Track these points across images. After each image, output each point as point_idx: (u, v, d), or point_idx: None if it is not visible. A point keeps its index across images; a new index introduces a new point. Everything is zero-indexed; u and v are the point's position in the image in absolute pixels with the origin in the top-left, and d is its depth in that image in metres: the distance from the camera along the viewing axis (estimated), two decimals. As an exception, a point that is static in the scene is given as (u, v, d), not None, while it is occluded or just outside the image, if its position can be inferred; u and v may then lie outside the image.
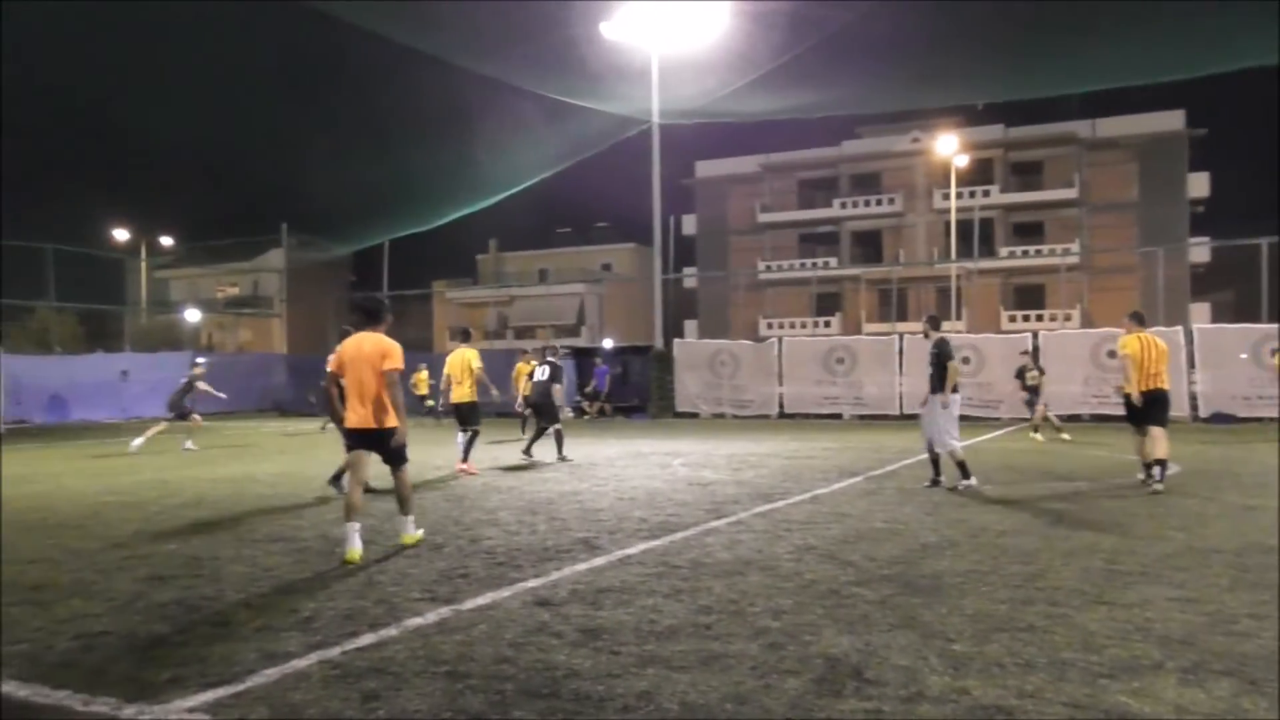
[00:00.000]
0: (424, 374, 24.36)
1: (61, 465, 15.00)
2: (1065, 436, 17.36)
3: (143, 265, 50.79)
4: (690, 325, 51.75)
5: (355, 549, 6.84)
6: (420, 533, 7.66)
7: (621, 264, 62.50)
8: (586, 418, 28.11)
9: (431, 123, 27.50)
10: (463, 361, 12.95)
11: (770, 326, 49.77)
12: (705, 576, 6.23)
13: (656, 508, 9.39)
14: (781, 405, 26.45)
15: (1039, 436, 17.66)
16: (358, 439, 7.36)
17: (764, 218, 54.60)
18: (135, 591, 5.98)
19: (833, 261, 51.98)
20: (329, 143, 27.93)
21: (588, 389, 29.10)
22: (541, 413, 14.70)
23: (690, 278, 52.98)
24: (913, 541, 7.45)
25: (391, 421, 7.31)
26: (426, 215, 34.42)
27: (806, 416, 25.75)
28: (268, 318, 52.19)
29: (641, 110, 28.69)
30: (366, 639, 4.86)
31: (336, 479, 10.27)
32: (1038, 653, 4.52)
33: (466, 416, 13.00)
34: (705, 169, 56.90)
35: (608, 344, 35.10)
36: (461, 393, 12.94)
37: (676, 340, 29.66)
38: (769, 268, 52.14)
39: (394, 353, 7.27)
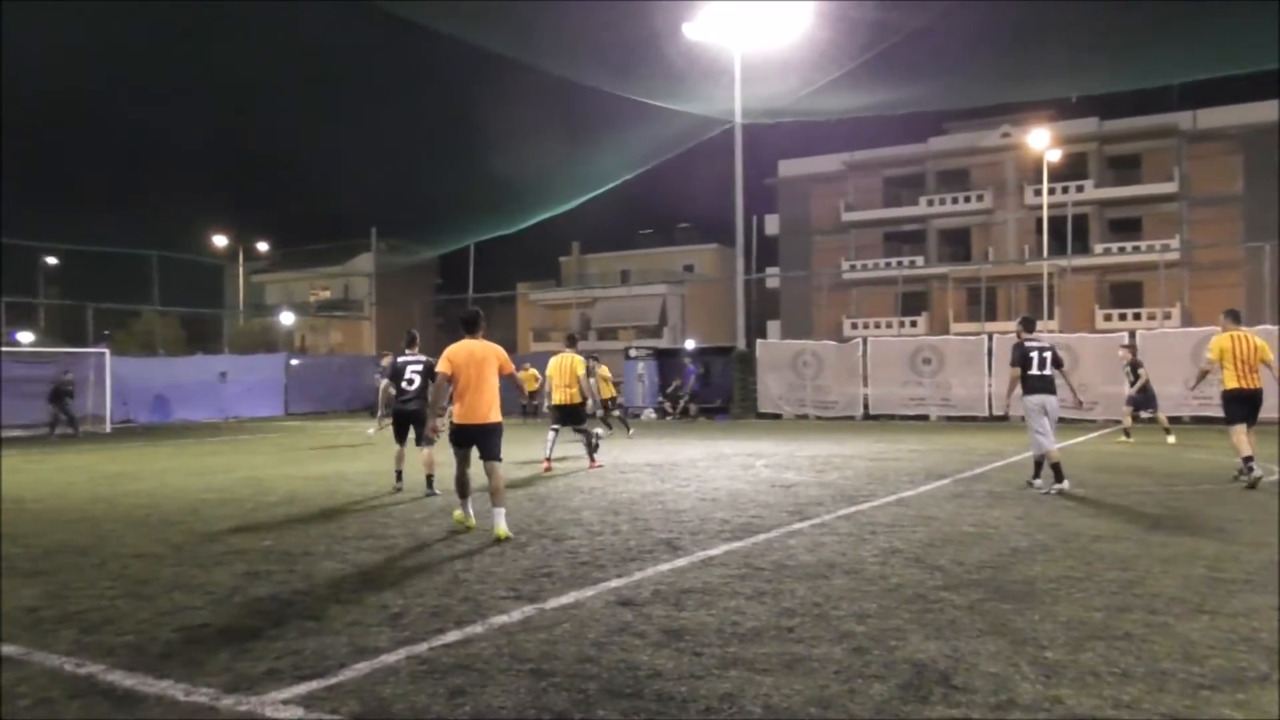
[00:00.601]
0: (532, 372, 24.60)
1: (165, 463, 15.61)
2: (1171, 440, 16.72)
3: (240, 270, 52.66)
4: (773, 326, 51.37)
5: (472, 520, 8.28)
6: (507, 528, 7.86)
7: (704, 265, 62.39)
8: (669, 418, 28.13)
9: (516, 127, 27.86)
10: (569, 367, 13.64)
11: (855, 326, 49.08)
12: (788, 579, 6.18)
13: (739, 509, 9.35)
14: (866, 406, 26.08)
15: (1129, 439, 17.11)
16: (464, 434, 8.05)
17: (848, 216, 53.90)
18: (233, 586, 6.19)
19: (919, 260, 51.02)
20: (416, 148, 28.52)
21: (670, 390, 29.11)
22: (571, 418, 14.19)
23: (773, 278, 52.57)
24: (1003, 546, 7.27)
25: (496, 417, 8.05)
26: (511, 218, 34.88)
27: (892, 418, 25.34)
28: (358, 320, 53.50)
29: (724, 110, 28.59)
30: (453, 636, 4.94)
31: (429, 483, 10.70)
32: (1135, 662, 4.36)
33: (569, 417, 13.66)
34: (788, 168, 56.43)
35: (689, 344, 35.05)
36: (570, 394, 13.61)
37: (759, 341, 29.47)
38: (853, 267, 51.43)
39: (506, 357, 8.16)
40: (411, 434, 11.18)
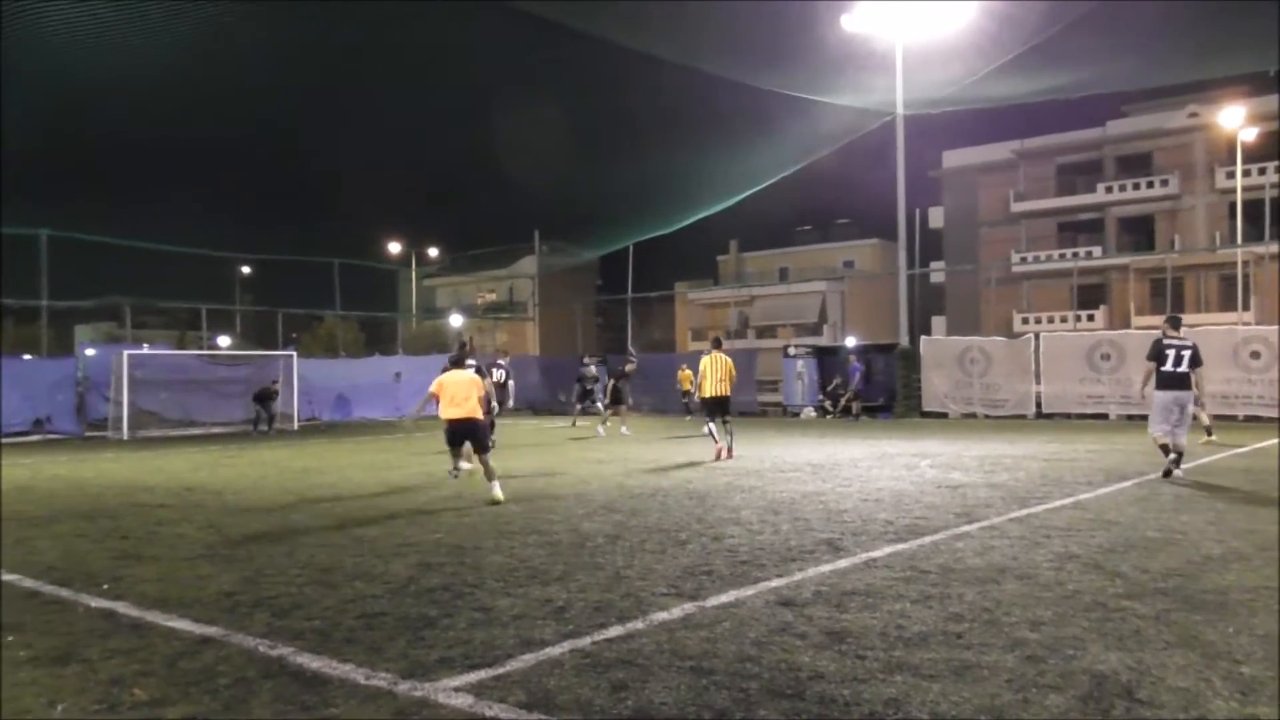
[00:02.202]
0: (687, 372, 24.75)
1: (346, 459, 16.52)
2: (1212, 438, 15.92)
3: (413, 276, 55.12)
4: (938, 322, 49.81)
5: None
6: (501, 493, 10.29)
7: (864, 260, 61.12)
8: (829, 417, 27.69)
9: (673, 127, 28.03)
10: (725, 365, 15.23)
11: (1026, 322, 46.96)
12: (956, 583, 5.98)
13: (903, 510, 9.11)
14: (1039, 404, 24.90)
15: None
16: (453, 432, 11.30)
17: (1018, 207, 51.58)
18: (408, 576, 6.49)
19: (1097, 250, 48.29)
20: (577, 151, 29.10)
21: (830, 388, 28.64)
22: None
23: (938, 272, 50.96)
24: (1193, 552, 6.80)
25: (479, 415, 11.06)
26: (669, 218, 35.11)
27: (1067, 416, 24.10)
28: (522, 321, 55.10)
29: (885, 102, 27.89)
30: (615, 631, 5.02)
31: (455, 469, 12.31)
32: (1348, 684, 4.00)
33: (717, 408, 15.16)
34: (953, 159, 54.56)
35: (850, 342, 34.38)
36: (724, 388, 15.17)
37: (923, 337, 28.60)
38: (1024, 259, 49.20)
39: (480, 382, 11.41)
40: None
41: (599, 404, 23.51)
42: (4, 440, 22.99)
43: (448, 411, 10.94)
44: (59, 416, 24.53)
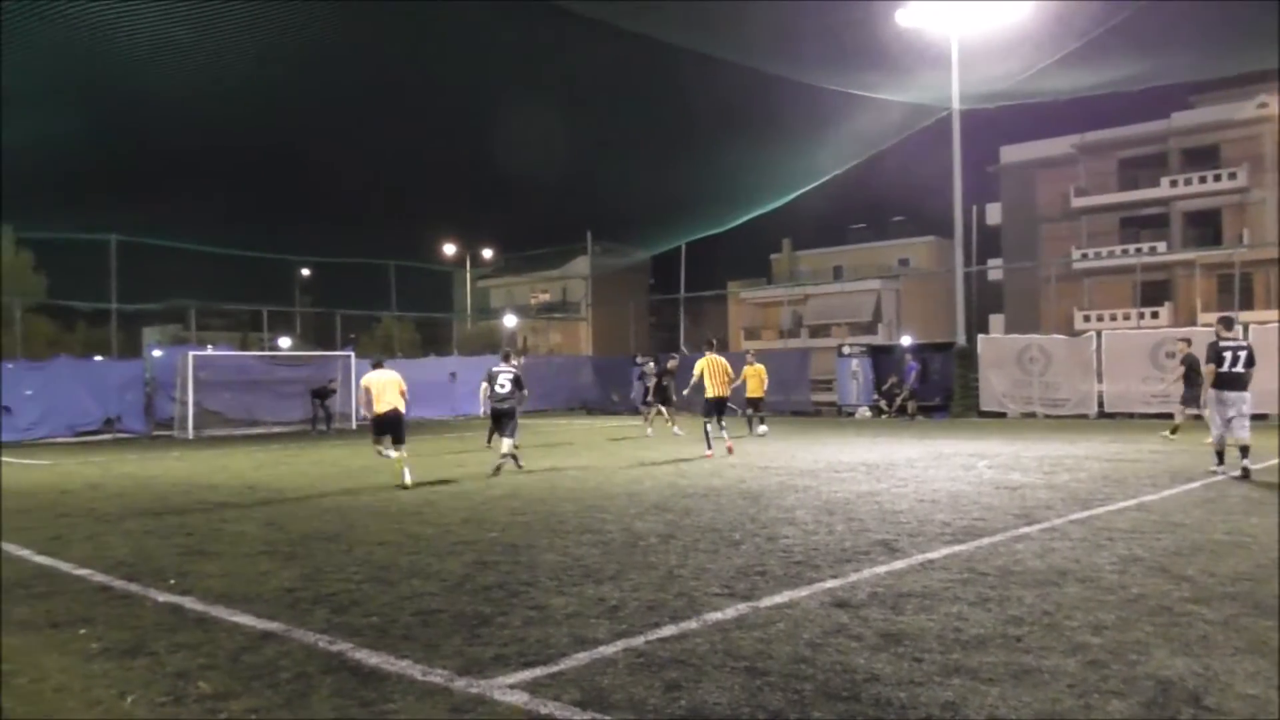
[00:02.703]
0: (757, 367, 23.90)
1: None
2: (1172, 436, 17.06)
3: (467, 277, 55.68)
4: (996, 320, 48.98)
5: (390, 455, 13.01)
6: (399, 455, 12.52)
7: (920, 258, 60.35)
8: (884, 416, 27.40)
9: (726, 125, 27.95)
10: (722, 367, 16.21)
11: (1087, 319, 45.97)
12: (1015, 585, 5.88)
13: (960, 511, 8.98)
14: (1101, 403, 24.38)
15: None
16: (379, 424, 12.99)
17: (1079, 202, 50.50)
18: (464, 574, 6.56)
19: (1161, 246, 47.10)
20: (630, 151, 29.17)
21: (885, 387, 28.34)
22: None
23: (995, 270, 50.10)
24: (1262, 556, 6.61)
25: (401, 409, 12.86)
26: (721, 217, 35.02)
27: (1130, 416, 23.57)
28: (575, 321, 55.34)
29: (940, 98, 27.51)
30: (668, 630, 5.03)
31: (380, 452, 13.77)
32: None
33: (715, 409, 15.94)
34: (1011, 154, 53.59)
35: (906, 341, 33.97)
36: (724, 389, 16.08)
37: (981, 336, 28.16)
38: (1085, 255, 48.16)
39: (401, 380, 13.11)
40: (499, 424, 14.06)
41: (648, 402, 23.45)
42: (77, 438, 23.70)
43: (377, 406, 12.75)
44: (128, 416, 25.23)
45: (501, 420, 13.71)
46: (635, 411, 24.38)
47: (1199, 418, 16.47)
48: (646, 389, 24.22)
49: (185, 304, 32.32)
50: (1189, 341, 18.23)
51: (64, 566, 7.24)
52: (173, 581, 6.55)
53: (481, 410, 17.58)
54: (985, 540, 7.46)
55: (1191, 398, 16.94)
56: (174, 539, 8.39)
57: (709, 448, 15.37)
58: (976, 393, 26.36)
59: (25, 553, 7.88)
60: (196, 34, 18.12)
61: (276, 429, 25.67)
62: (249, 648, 4.90)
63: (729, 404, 16.67)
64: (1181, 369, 17.53)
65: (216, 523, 9.33)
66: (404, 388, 13.10)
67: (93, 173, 23.62)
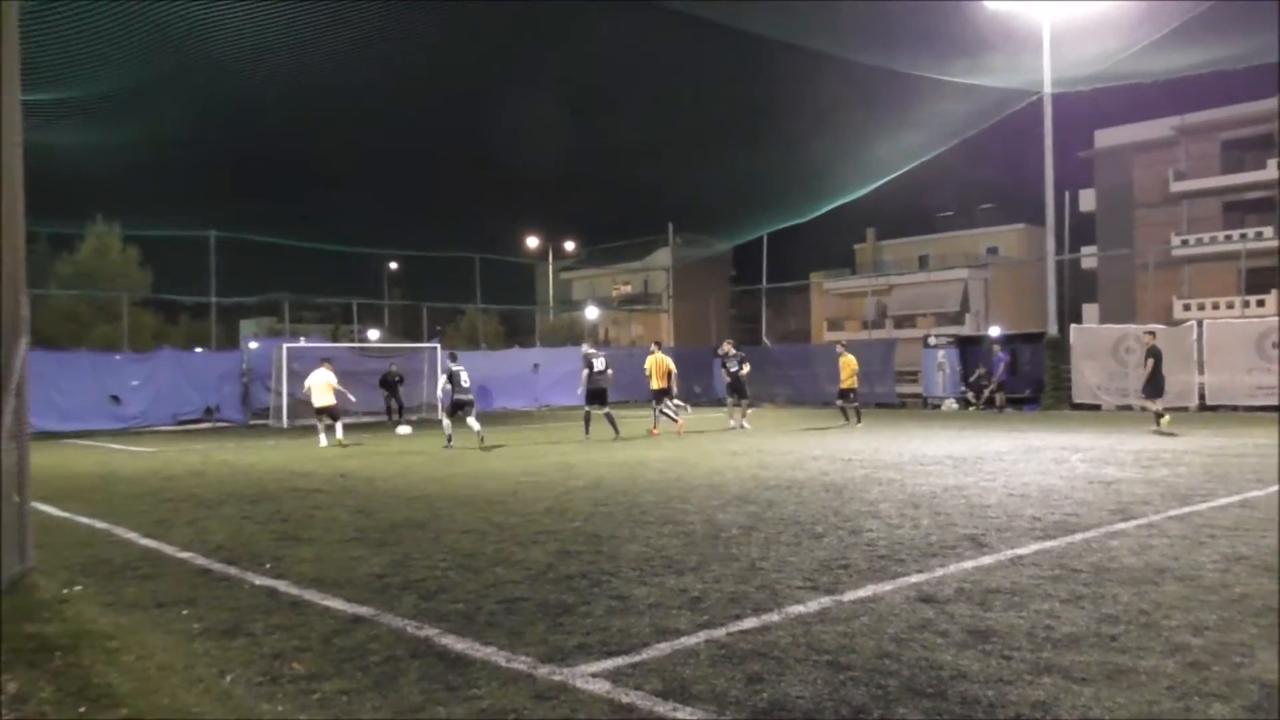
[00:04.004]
0: (849, 358, 23.22)
1: (487, 448, 16.98)
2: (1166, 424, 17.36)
3: (550, 269, 56.22)
4: (1089, 309, 47.52)
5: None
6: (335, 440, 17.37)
7: (1009, 246, 58.81)
8: (972, 409, 26.83)
9: (810, 114, 27.65)
10: (665, 364, 19.28)
11: (1188, 308, 44.24)
12: (1110, 583, 5.70)
13: (1052, 506, 8.74)
14: (1202, 396, 23.48)
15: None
16: (322, 411, 18.07)
17: (1179, 186, 48.57)
18: (547, 563, 6.64)
19: (1267, 231, 45.00)
20: (711, 142, 29.05)
21: (972, 379, 27.73)
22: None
23: (1089, 257, 48.55)
24: (1378, 558, 6.29)
25: (332, 402, 18.04)
26: (804, 207, 34.66)
27: (1234, 409, 22.64)
28: (657, 313, 55.41)
29: (1031, 81, 26.76)
30: (750, 622, 5.01)
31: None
32: None
33: (660, 396, 19.32)
34: (1105, 138, 51.80)
35: (994, 331, 33.18)
36: (665, 382, 19.30)
37: (1074, 326, 27.37)
38: (1185, 242, 46.34)
39: (335, 378, 18.23)
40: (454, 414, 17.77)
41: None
42: (179, 427, 24.66)
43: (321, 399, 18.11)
44: (226, 406, 26.17)
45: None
46: (719, 403, 24.32)
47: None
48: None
49: (280, 297, 33.39)
50: (1153, 333, 19.17)
51: (168, 549, 7.55)
52: (268, 566, 6.77)
53: (580, 391, 18.24)
54: (1078, 536, 7.25)
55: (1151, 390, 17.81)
56: (270, 525, 8.67)
57: (657, 424, 19.15)
58: (1069, 384, 25.65)
59: (132, 536, 8.24)
60: (291, 35, 18.65)
61: (366, 418, 26.31)
62: (340, 631, 5.04)
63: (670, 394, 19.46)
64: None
65: (309, 509, 9.62)
66: (337, 385, 18.36)
67: (194, 172, 24.55)
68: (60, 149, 20.43)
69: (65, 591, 6.06)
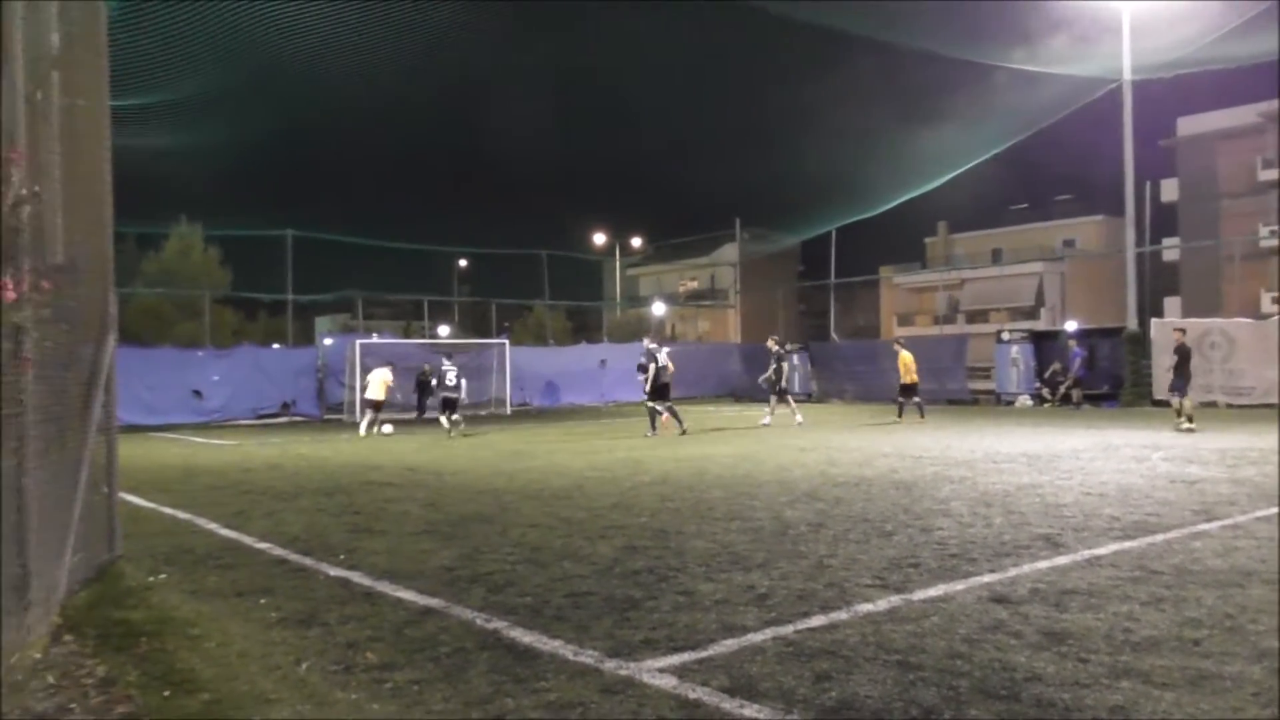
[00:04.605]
0: (906, 356, 22.75)
1: (554, 443, 17.14)
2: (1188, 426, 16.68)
3: (617, 265, 56.38)
4: (1171, 303, 46.04)
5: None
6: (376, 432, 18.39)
7: (1087, 238, 57.28)
8: (1047, 405, 26.22)
9: (881, 105, 27.30)
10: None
11: (1276, 302, 42.64)
12: (1192, 585, 5.53)
13: (1131, 505, 8.51)
14: (1291, 393, 22.60)
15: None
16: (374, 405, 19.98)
17: (1267, 175, 46.76)
18: (614, 558, 6.67)
19: (1363, 221, 43.17)
20: (779, 135, 28.85)
21: (1047, 374, 27.10)
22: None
23: (1171, 249, 47.02)
24: None
25: (383, 399, 20.01)
26: (874, 200, 34.21)
27: (1326, 407, 21.75)
28: (723, 309, 55.20)
29: (1110, 69, 26.01)
30: (818, 620, 4.97)
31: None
32: None
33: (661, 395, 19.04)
34: (1189, 125, 50.12)
35: (1071, 326, 32.35)
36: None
37: (1154, 320, 26.56)
38: (1273, 233, 44.64)
39: (392, 379, 20.35)
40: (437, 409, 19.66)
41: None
42: (257, 421, 25.33)
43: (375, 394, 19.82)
44: (303, 400, 26.78)
45: (451, 404, 19.34)
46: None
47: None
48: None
49: (353, 294, 34.04)
50: (1183, 330, 18.83)
51: (246, 540, 7.76)
52: (342, 557, 6.92)
53: (645, 387, 18.23)
54: (1159, 537, 7.04)
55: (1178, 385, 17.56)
56: (343, 517, 8.86)
57: (654, 426, 18.64)
58: (1149, 380, 24.91)
59: (213, 526, 8.49)
60: (364, 37, 19.02)
61: (433, 414, 26.67)
62: (411, 622, 5.13)
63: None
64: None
65: (381, 503, 9.80)
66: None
67: (272, 173, 25.21)
68: (146, 152, 21.13)
69: (150, 579, 6.28)
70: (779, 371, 20.86)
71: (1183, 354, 17.70)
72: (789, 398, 21.04)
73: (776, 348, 21.08)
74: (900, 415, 21.17)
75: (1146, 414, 22.35)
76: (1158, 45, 24.91)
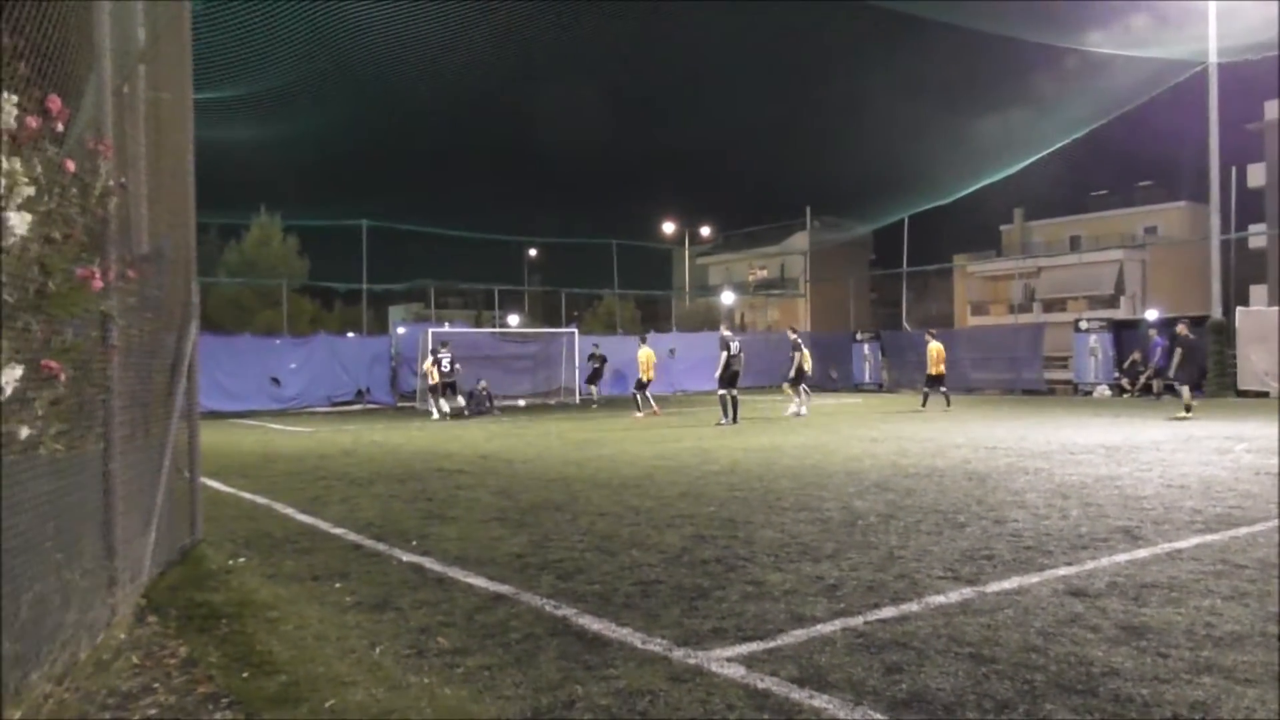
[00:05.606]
0: (937, 346, 22.83)
1: (623, 432, 17.21)
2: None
3: (686, 254, 56.28)
4: (1257, 291, 44.39)
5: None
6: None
7: (1169, 225, 55.50)
8: (1127, 396, 25.52)
9: (958, 92, 26.78)
10: (649, 356, 21.91)
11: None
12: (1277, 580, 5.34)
13: (1213, 498, 8.25)
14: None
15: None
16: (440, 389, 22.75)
17: (1361, 158, 44.77)
18: (682, 547, 6.68)
19: None
20: (852, 122, 28.48)
21: (1127, 364, 26.36)
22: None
23: (1258, 236, 45.34)
24: None
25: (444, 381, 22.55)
26: (948, 188, 33.58)
27: None
28: (793, 298, 54.77)
29: (1195, 51, 25.13)
30: (888, 611, 4.92)
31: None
32: None
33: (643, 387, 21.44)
34: (1276, 109, 48.15)
35: (1151, 315, 31.39)
36: (650, 374, 21.99)
37: (1239, 309, 25.67)
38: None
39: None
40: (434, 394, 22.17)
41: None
42: (333, 408, 25.92)
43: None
44: (376, 388, 27.34)
45: (450, 387, 21.98)
46: (856, 388, 23.86)
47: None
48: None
49: (426, 284, 34.59)
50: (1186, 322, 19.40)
51: (322, 525, 7.96)
52: (415, 543, 7.05)
53: (716, 375, 18.24)
54: (1242, 530, 6.82)
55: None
56: (416, 503, 9.02)
57: (640, 410, 21.05)
58: (1234, 370, 24.11)
59: (290, 511, 8.72)
60: (439, 29, 19.25)
61: (504, 402, 27.02)
62: (482, 608, 5.20)
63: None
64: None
65: (453, 489, 9.96)
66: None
67: (349, 164, 25.71)
68: (227, 144, 21.74)
69: (230, 563, 6.48)
70: (797, 364, 20.70)
71: (1185, 346, 18.11)
72: (801, 388, 20.84)
73: (795, 336, 22.16)
74: (924, 404, 22.43)
75: (1231, 405, 21.63)
76: (1245, 26, 23.99)
